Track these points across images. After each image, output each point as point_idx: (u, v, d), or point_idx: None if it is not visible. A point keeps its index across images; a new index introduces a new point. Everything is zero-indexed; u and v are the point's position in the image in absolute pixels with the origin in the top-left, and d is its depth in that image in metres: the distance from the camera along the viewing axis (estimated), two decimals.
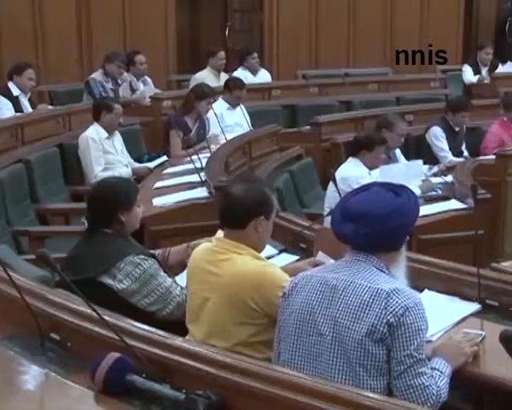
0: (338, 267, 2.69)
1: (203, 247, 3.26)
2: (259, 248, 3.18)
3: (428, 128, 7.49)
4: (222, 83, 8.80)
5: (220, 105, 7.58)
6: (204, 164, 5.70)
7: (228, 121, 7.51)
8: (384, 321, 2.50)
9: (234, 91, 7.64)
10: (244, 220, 3.09)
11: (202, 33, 12.05)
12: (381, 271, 2.63)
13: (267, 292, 2.97)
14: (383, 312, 2.50)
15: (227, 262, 3.06)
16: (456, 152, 7.43)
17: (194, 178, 5.46)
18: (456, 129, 7.46)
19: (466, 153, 7.54)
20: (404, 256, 2.74)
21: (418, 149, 7.55)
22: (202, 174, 5.43)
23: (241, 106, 7.69)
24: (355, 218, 2.63)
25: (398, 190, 2.72)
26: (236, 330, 2.99)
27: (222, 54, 9.29)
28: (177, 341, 2.37)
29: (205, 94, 7.17)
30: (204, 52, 9.83)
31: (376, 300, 2.52)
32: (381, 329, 2.50)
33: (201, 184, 5.32)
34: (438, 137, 7.37)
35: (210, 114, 7.40)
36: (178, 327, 3.07)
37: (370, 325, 2.50)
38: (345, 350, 2.54)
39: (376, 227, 2.61)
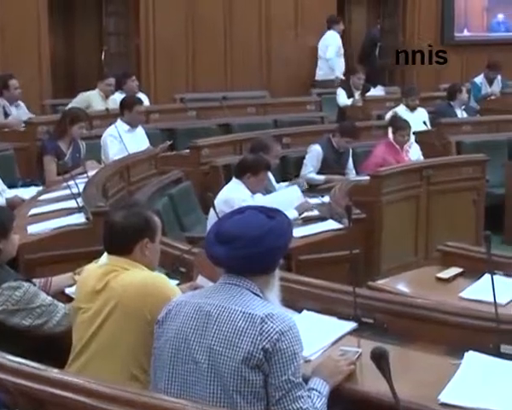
0: (212, 293, 2.67)
1: (92, 267, 3.28)
2: (150, 269, 3.23)
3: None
4: (110, 105, 8.70)
5: (120, 127, 7.41)
6: (81, 189, 5.59)
7: (128, 143, 7.30)
8: (260, 347, 2.49)
9: (134, 108, 7.50)
10: (129, 246, 3.15)
11: (78, 57, 11.89)
12: (256, 294, 2.62)
13: (159, 301, 2.93)
14: (258, 338, 2.49)
15: (119, 277, 3.09)
16: (341, 172, 7.62)
17: (71, 203, 5.33)
18: (341, 150, 7.65)
19: (353, 173, 7.72)
20: (277, 279, 2.74)
21: (297, 171, 7.69)
22: (79, 200, 5.32)
23: (141, 127, 7.57)
24: (228, 240, 2.63)
25: (271, 213, 2.73)
26: (126, 348, 2.96)
27: (111, 80, 9.22)
28: (52, 372, 2.30)
29: (78, 118, 7.04)
30: (79, 76, 9.71)
31: (251, 326, 2.51)
32: (257, 355, 2.49)
33: (78, 209, 5.21)
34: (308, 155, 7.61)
35: (109, 138, 7.26)
36: (57, 356, 3.00)
37: (246, 352, 2.49)
38: (221, 377, 2.52)
39: (249, 250, 2.60)
